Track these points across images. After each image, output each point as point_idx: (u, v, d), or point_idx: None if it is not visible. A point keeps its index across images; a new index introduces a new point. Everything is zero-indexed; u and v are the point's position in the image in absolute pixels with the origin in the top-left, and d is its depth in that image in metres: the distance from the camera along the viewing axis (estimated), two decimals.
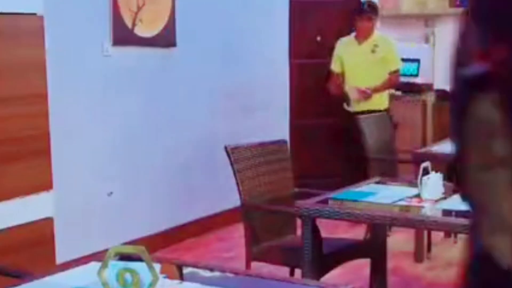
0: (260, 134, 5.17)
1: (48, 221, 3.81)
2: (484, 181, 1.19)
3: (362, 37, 5.97)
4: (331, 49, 7.06)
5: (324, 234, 3.51)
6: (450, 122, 1.30)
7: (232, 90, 6.00)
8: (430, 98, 7.07)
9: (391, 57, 5.99)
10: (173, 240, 5.35)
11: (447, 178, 3.52)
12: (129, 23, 4.98)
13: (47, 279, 2.08)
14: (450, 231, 4.78)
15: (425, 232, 4.92)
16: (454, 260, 4.95)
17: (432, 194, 3.31)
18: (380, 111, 5.68)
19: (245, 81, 6.15)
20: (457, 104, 1.26)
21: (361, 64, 5.93)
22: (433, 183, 3.33)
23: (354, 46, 6.01)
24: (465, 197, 1.27)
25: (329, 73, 6.14)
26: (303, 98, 6.86)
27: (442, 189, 3.36)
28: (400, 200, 3.31)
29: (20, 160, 3.62)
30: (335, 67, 6.11)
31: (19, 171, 3.63)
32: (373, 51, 5.93)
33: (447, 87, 7.98)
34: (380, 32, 6.28)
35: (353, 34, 6.06)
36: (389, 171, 5.14)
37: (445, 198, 3.33)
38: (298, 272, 3.59)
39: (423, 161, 3.49)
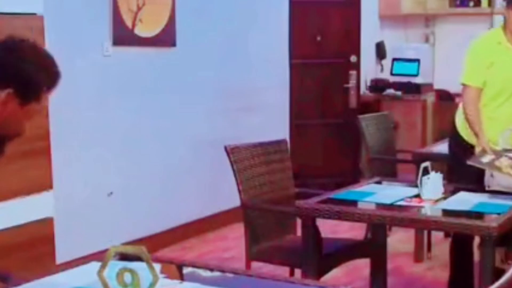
0: (260, 134, 5.16)
1: (48, 221, 3.81)
2: None
3: None
4: (335, 49, 7.05)
5: (324, 234, 3.51)
6: None
7: (232, 90, 5.99)
8: (430, 98, 7.07)
9: None
10: (173, 240, 5.35)
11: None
12: (129, 23, 4.98)
13: (47, 279, 2.08)
14: (450, 231, 4.78)
15: (425, 232, 4.92)
16: None
17: (432, 194, 3.31)
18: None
19: (245, 81, 6.15)
20: None
21: None
22: (433, 183, 3.33)
23: (506, 49, 3.66)
24: None
25: (466, 90, 3.67)
26: (303, 98, 6.87)
27: (442, 189, 3.37)
28: (400, 200, 3.31)
29: (20, 160, 3.61)
30: (477, 80, 3.64)
31: (19, 171, 3.63)
32: None
33: (447, 87, 8.03)
34: None
35: (498, 30, 3.73)
36: (389, 171, 5.15)
37: (445, 198, 3.34)
38: (298, 272, 3.59)
39: (423, 161, 3.49)
